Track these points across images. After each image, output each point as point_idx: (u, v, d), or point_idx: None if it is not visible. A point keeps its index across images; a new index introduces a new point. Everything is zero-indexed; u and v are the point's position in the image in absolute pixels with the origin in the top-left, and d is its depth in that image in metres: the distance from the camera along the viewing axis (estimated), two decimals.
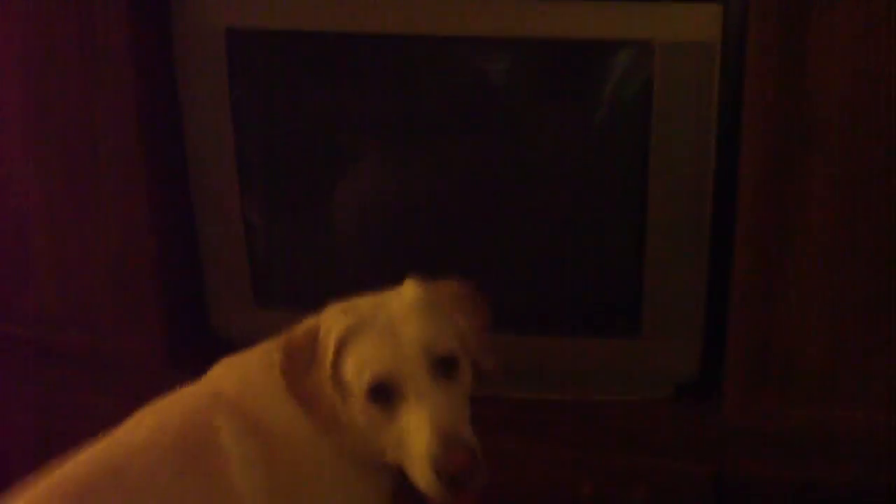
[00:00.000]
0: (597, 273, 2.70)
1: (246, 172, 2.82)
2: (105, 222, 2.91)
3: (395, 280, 2.00)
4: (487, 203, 2.73)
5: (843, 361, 2.47)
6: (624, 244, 2.64)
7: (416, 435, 1.81)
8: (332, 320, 1.94)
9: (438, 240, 2.75)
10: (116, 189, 2.88)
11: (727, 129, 2.48)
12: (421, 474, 1.81)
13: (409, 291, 1.98)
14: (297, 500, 1.95)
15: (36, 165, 2.96)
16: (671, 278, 2.56)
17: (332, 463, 1.98)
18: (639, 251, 2.57)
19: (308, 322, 1.99)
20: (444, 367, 1.88)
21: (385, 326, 1.90)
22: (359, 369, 1.87)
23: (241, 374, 2.05)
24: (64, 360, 3.06)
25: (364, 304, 1.97)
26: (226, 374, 2.07)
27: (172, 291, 2.97)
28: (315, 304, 1.99)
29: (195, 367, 2.61)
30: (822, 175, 2.37)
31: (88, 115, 2.85)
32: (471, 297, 2.05)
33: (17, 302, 3.07)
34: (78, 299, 3.00)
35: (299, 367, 1.93)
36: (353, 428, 1.91)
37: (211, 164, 2.85)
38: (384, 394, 1.85)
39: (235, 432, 1.94)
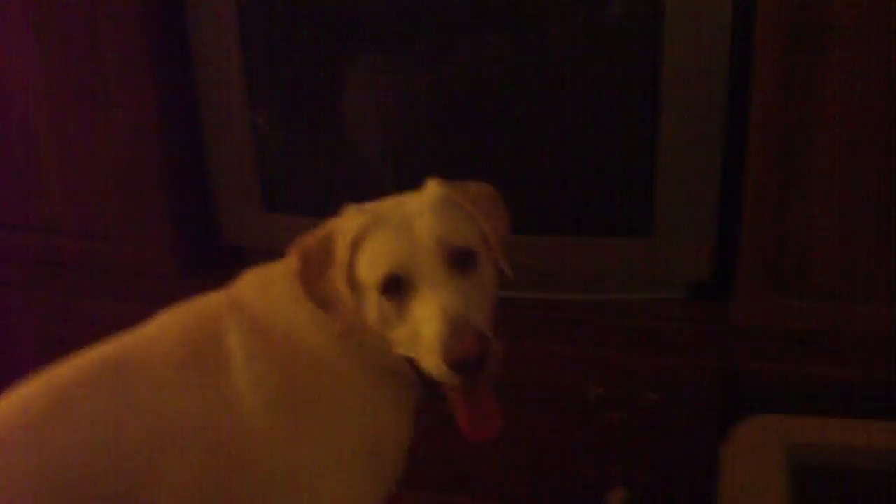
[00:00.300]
0: (610, 172, 2.67)
1: (254, 78, 2.80)
2: (113, 130, 2.90)
3: (405, 183, 2.00)
4: (500, 103, 2.70)
5: (856, 261, 2.46)
6: (637, 143, 2.62)
7: (427, 324, 1.80)
8: (347, 221, 1.93)
9: (450, 143, 2.72)
10: (124, 97, 2.87)
11: (743, 23, 2.44)
12: (431, 362, 1.80)
13: (429, 190, 1.98)
14: (301, 406, 1.95)
15: (43, 76, 2.95)
16: (684, 178, 2.54)
17: (347, 373, 1.98)
18: (652, 151, 2.54)
19: (325, 225, 1.98)
20: (460, 260, 1.86)
21: (401, 222, 1.89)
22: (372, 264, 1.87)
23: (262, 283, 2.06)
24: (73, 268, 3.08)
25: (383, 204, 1.96)
26: (248, 282, 2.07)
27: (181, 198, 2.97)
28: (324, 209, 1.99)
29: (205, 273, 2.63)
30: (839, 74, 2.33)
31: (94, 24, 2.83)
32: (493, 199, 2.04)
33: (25, 210, 3.08)
34: (86, 207, 3.01)
35: (315, 270, 1.93)
36: (369, 330, 1.91)
37: (218, 70, 2.83)
38: (397, 287, 1.84)
39: (243, 334, 1.94)
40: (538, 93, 2.65)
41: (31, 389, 1.87)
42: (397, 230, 1.88)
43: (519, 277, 2.61)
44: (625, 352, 2.67)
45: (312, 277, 1.93)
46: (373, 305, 1.88)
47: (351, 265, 1.90)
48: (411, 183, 1.98)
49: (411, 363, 1.88)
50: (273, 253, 2.02)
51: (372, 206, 1.96)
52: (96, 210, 3.00)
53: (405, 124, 2.82)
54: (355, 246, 1.90)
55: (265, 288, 2.03)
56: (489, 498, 2.92)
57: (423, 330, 1.80)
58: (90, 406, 1.84)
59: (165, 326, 2.00)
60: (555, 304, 2.73)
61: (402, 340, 1.86)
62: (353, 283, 1.91)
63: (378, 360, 1.97)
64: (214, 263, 2.84)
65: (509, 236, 2.02)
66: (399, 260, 1.84)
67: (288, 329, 1.97)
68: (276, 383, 1.93)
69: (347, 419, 1.98)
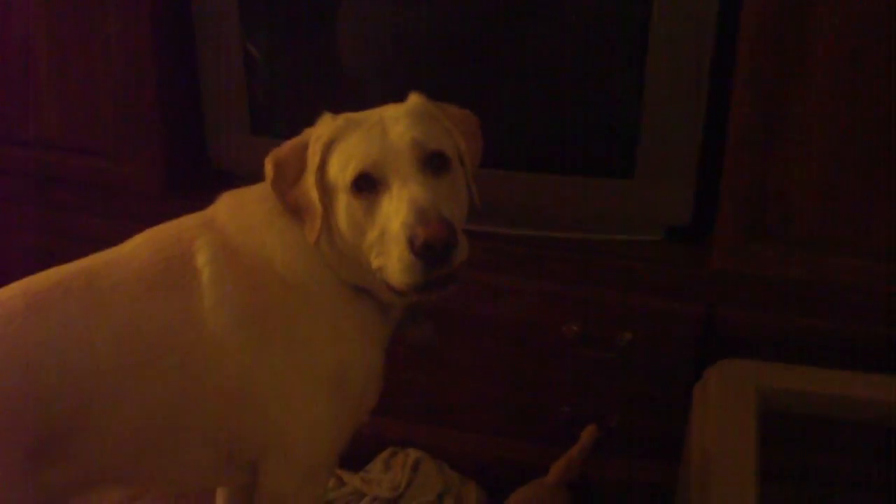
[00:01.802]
0: (594, 112, 2.68)
1: (247, 4, 2.80)
2: (108, 49, 2.90)
3: None
4: (488, 39, 2.70)
5: (837, 212, 2.46)
6: (623, 84, 2.63)
7: (395, 217, 1.81)
8: (321, 127, 1.96)
9: (438, 74, 2.72)
10: (119, 15, 2.86)
11: None
12: (397, 254, 1.80)
13: (409, 101, 2.00)
14: (266, 326, 1.98)
15: None
16: (668, 120, 2.54)
17: (315, 295, 2.00)
18: (637, 92, 2.55)
19: (300, 134, 2.01)
20: (432, 163, 1.88)
21: (375, 125, 1.91)
22: (344, 164, 1.89)
23: (236, 204, 2.08)
24: (65, 184, 3.09)
25: (361, 112, 1.98)
26: (223, 203, 2.09)
27: (172, 119, 2.98)
28: None
29: (192, 193, 2.64)
30: (826, 21, 2.32)
31: None
32: (472, 123, 2.06)
33: (19, 126, 3.08)
34: (79, 124, 3.01)
35: (289, 178, 1.95)
36: (340, 239, 1.93)
37: None
38: (369, 186, 1.86)
39: (212, 254, 1.97)
40: (527, 32, 2.63)
41: (9, 292, 1.90)
42: (371, 132, 1.89)
43: (500, 213, 2.64)
44: (603, 291, 2.68)
45: (286, 185, 1.95)
46: (343, 209, 1.89)
47: (323, 168, 1.92)
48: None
49: (381, 278, 1.88)
50: (258, 177, 2.03)
51: (348, 114, 1.97)
52: (89, 127, 3.00)
53: (394, 54, 2.82)
54: (328, 149, 1.92)
55: (239, 209, 2.05)
56: (463, 430, 2.95)
57: (391, 225, 1.81)
58: (63, 311, 1.88)
59: (142, 244, 2.02)
60: (535, 240, 2.74)
61: (371, 244, 1.86)
62: (326, 187, 1.92)
63: (349, 279, 1.99)
64: (202, 185, 2.84)
65: (478, 164, 2.04)
66: (371, 158, 1.86)
67: (257, 249, 1.99)
68: (242, 302, 1.95)
69: (313, 342, 2.00)
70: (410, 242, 1.77)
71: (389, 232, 1.82)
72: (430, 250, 1.76)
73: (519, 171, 2.69)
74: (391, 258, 1.82)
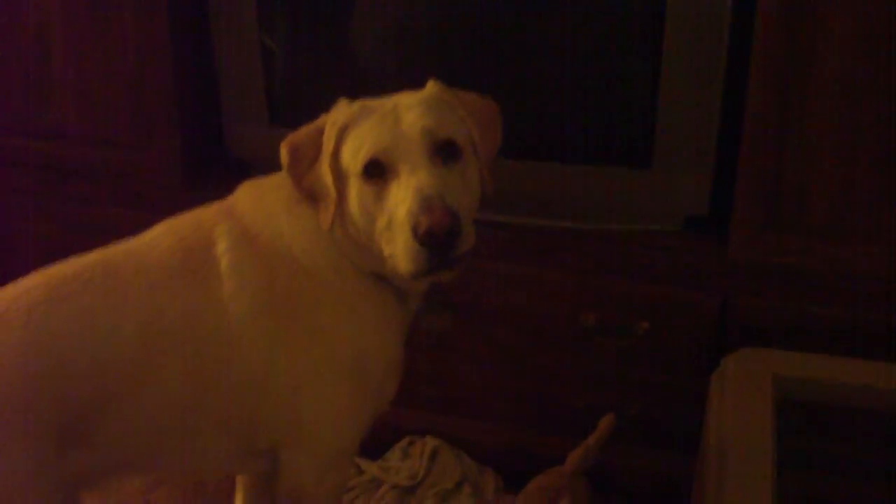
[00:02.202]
0: (611, 102, 2.68)
1: None
2: (124, 39, 2.91)
3: None
4: (505, 28, 2.69)
5: (854, 201, 2.46)
6: (639, 74, 2.62)
7: (401, 205, 1.82)
8: (337, 112, 1.97)
9: (454, 64, 2.73)
10: (136, 5, 2.88)
11: None
12: (402, 241, 1.81)
13: (425, 89, 2.00)
14: (285, 313, 1.99)
15: None
16: (685, 110, 2.54)
17: (333, 283, 2.01)
18: (654, 82, 2.54)
19: (316, 120, 2.01)
20: (443, 152, 1.89)
21: (389, 112, 1.92)
22: (356, 150, 1.90)
23: (256, 193, 2.09)
24: (82, 175, 3.10)
25: (377, 99, 1.98)
26: (243, 192, 2.11)
27: (189, 109, 2.99)
28: None
29: (210, 183, 2.65)
30: (843, 9, 2.32)
31: None
32: (490, 112, 2.06)
33: (36, 117, 3.09)
34: (96, 115, 3.03)
35: (304, 164, 1.97)
36: (353, 226, 1.94)
37: None
38: (379, 172, 1.87)
39: (232, 241, 1.98)
40: (544, 20, 2.64)
41: (30, 282, 1.91)
42: (384, 118, 1.90)
43: (517, 202, 2.64)
44: (620, 281, 2.69)
45: (301, 170, 1.96)
46: (354, 193, 1.90)
47: (337, 154, 1.93)
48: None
49: (391, 266, 1.89)
50: (276, 167, 2.04)
51: (365, 100, 1.98)
52: (105, 118, 3.01)
53: (410, 42, 2.82)
54: (342, 134, 1.93)
55: (258, 197, 2.06)
56: (480, 419, 2.96)
57: (398, 212, 1.82)
58: (85, 300, 1.88)
59: (162, 233, 2.03)
60: (552, 230, 2.74)
61: (381, 231, 1.87)
62: (339, 172, 1.93)
63: (364, 266, 2.00)
64: (220, 175, 2.86)
65: (495, 153, 2.04)
66: (382, 145, 1.87)
67: (276, 237, 2.00)
68: (261, 290, 1.96)
69: (333, 329, 2.00)
70: (414, 230, 1.78)
71: (396, 219, 1.83)
72: (433, 238, 1.77)
73: (536, 161, 2.69)
74: (397, 245, 1.83)
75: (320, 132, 1.97)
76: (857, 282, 2.52)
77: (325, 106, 2.01)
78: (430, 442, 2.97)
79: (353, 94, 2.01)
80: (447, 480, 2.89)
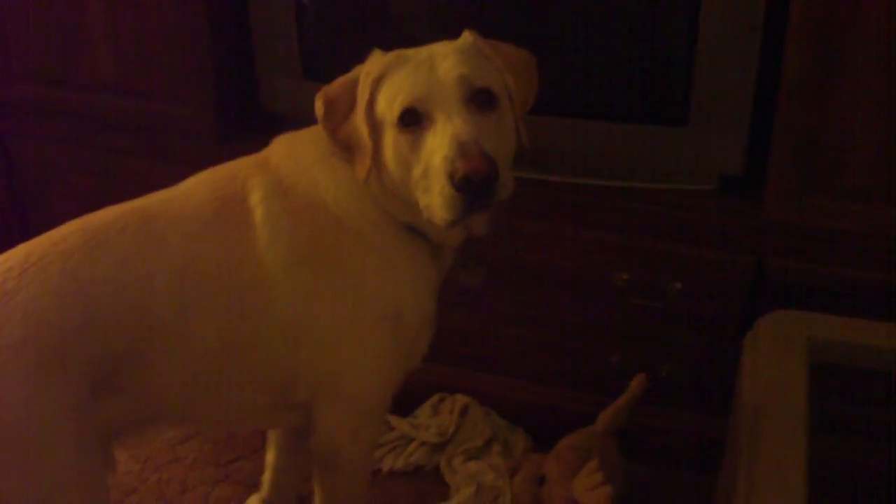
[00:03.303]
0: (648, 60, 2.64)
1: None
2: None
3: None
4: None
5: (890, 163, 2.42)
6: (676, 32, 2.58)
7: (437, 152, 1.82)
8: (371, 63, 1.96)
9: (491, 19, 2.70)
10: None
11: None
12: (438, 187, 1.81)
13: (461, 38, 1.99)
14: (320, 263, 1.99)
15: None
16: (722, 69, 2.50)
17: (367, 234, 2.01)
18: (691, 40, 2.51)
19: (351, 72, 2.01)
20: (479, 100, 1.88)
21: (424, 60, 1.91)
22: (391, 99, 1.89)
23: (290, 145, 2.10)
24: (118, 126, 3.11)
25: (411, 49, 1.98)
26: (278, 145, 2.11)
27: (223, 63, 2.98)
28: None
29: (244, 136, 2.65)
30: None
31: None
32: (526, 63, 2.05)
33: (72, 69, 3.10)
34: (132, 67, 3.03)
35: (339, 115, 1.97)
36: (388, 176, 1.94)
37: None
38: (415, 120, 1.86)
39: (266, 192, 1.99)
40: None
41: (67, 229, 1.92)
42: (419, 67, 1.90)
43: (551, 160, 2.62)
44: (654, 240, 2.67)
45: (336, 122, 1.97)
46: (390, 143, 1.90)
47: (372, 104, 1.93)
48: None
49: (427, 216, 1.89)
50: (310, 120, 2.04)
51: (399, 51, 1.97)
52: (140, 70, 3.01)
53: None
54: (377, 84, 1.93)
55: (293, 150, 2.06)
56: (511, 376, 2.97)
57: (434, 160, 1.82)
58: (121, 248, 1.89)
59: (197, 184, 2.04)
60: (586, 188, 2.72)
61: (417, 181, 1.87)
62: (374, 122, 1.93)
63: (400, 217, 2.00)
64: (255, 129, 2.86)
65: (531, 104, 2.03)
66: (417, 93, 1.86)
67: (310, 188, 2.00)
68: (296, 241, 1.97)
69: (366, 280, 2.01)
70: (451, 176, 1.78)
71: (432, 166, 1.83)
72: (470, 184, 1.77)
73: (571, 119, 2.67)
74: (433, 193, 1.83)
75: (355, 83, 1.96)
76: (892, 244, 2.49)
77: (358, 60, 2.01)
78: (461, 399, 2.97)
79: (387, 47, 2.00)
80: (477, 438, 2.89)
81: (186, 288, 1.91)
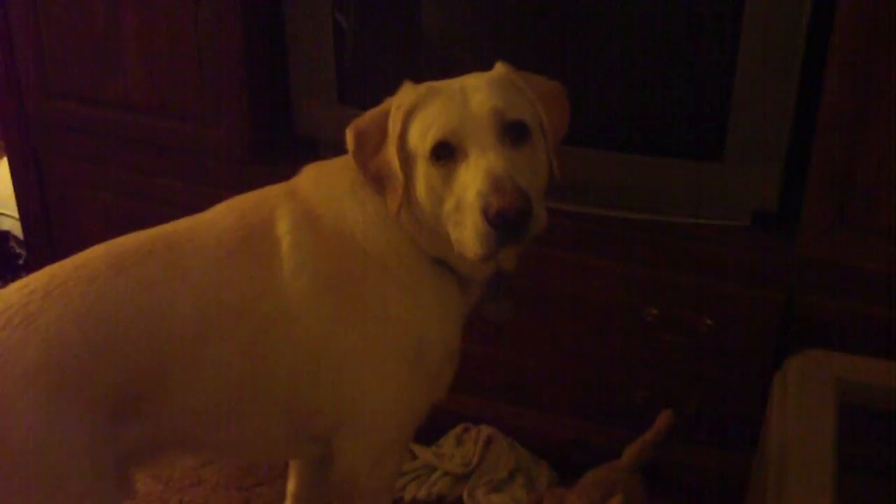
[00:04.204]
0: (684, 93, 2.63)
1: None
2: (195, 11, 2.90)
3: None
4: (576, 14, 2.66)
5: None
6: (714, 65, 2.57)
7: (471, 186, 1.80)
8: (402, 95, 1.95)
9: (526, 48, 2.69)
10: None
11: None
12: (471, 222, 1.79)
13: (493, 70, 1.98)
14: (345, 294, 1.99)
15: None
16: (758, 104, 2.49)
17: (393, 266, 2.00)
18: (728, 74, 2.50)
19: (382, 104, 2.00)
20: (512, 133, 1.87)
21: (457, 93, 1.90)
22: (424, 132, 1.88)
23: (320, 175, 2.09)
24: (148, 146, 3.11)
25: (443, 81, 1.97)
26: (307, 173, 2.11)
27: (258, 85, 2.98)
28: None
29: (276, 159, 2.65)
30: None
31: None
32: (558, 95, 2.04)
33: (105, 87, 3.11)
34: (165, 87, 3.03)
35: (369, 148, 1.96)
36: (420, 210, 1.93)
37: None
38: (447, 154, 1.85)
39: (292, 222, 1.98)
40: (617, 8, 2.61)
41: (92, 252, 1.92)
42: (451, 100, 1.89)
43: (585, 192, 2.61)
44: (685, 275, 2.65)
45: (367, 155, 1.96)
46: (422, 177, 1.89)
47: (403, 137, 1.92)
48: None
49: (458, 251, 1.88)
50: (343, 145, 2.03)
51: (431, 82, 1.96)
52: (173, 90, 3.02)
53: (480, 27, 2.80)
54: (408, 116, 1.92)
55: (321, 179, 2.06)
56: (536, 408, 2.96)
57: (467, 194, 1.80)
58: (144, 273, 1.89)
59: (224, 211, 2.05)
60: (620, 221, 2.70)
61: (449, 214, 1.85)
62: (406, 156, 1.92)
63: (429, 250, 1.99)
64: (287, 152, 2.86)
65: (563, 136, 2.02)
66: (450, 126, 1.85)
67: (338, 219, 1.99)
68: (322, 272, 1.96)
69: (390, 312, 2.00)
70: (484, 211, 1.77)
71: (465, 201, 1.82)
72: (503, 219, 1.75)
73: (606, 151, 2.66)
74: (466, 228, 1.82)
75: (385, 115, 1.96)
76: None
77: (394, 86, 2.00)
78: (485, 430, 2.96)
79: (423, 76, 1.99)
80: (500, 469, 2.88)
81: (209, 315, 1.91)
